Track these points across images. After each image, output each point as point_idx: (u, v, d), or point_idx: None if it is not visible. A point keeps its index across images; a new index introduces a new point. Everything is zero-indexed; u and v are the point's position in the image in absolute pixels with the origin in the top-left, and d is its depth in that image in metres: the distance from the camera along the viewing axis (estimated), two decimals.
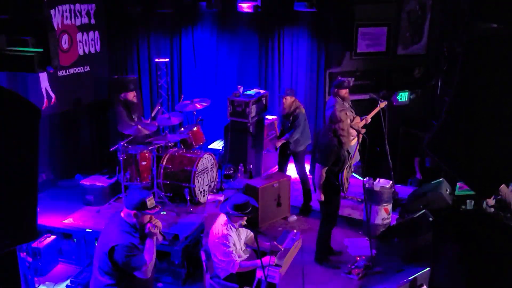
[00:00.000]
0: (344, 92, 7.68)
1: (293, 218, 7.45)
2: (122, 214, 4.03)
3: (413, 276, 5.37)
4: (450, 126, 2.96)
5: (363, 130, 6.90)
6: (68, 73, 7.76)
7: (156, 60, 9.01)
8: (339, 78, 8.51)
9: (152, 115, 8.05)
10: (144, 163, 7.01)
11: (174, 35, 9.44)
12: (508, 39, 2.49)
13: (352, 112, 7.64)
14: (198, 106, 7.94)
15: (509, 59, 2.76)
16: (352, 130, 7.29)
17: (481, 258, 2.13)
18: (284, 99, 7.72)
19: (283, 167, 7.99)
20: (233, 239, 5.00)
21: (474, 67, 2.89)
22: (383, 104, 7.77)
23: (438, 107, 10.65)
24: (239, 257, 5.05)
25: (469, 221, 2.40)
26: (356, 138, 7.60)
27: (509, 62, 2.76)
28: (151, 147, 7.01)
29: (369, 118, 7.69)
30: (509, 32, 2.50)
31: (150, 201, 3.98)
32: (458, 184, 7.53)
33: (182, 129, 7.90)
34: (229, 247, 4.94)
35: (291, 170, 8.05)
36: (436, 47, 10.53)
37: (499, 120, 2.76)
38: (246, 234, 5.31)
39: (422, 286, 5.28)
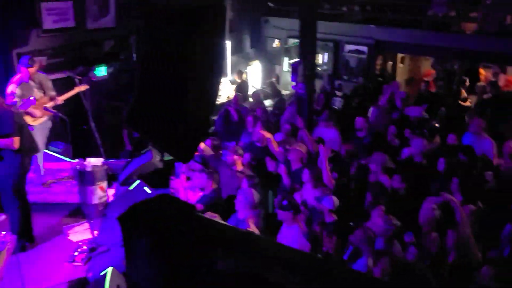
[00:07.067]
0: (32, 69, 7.24)
1: (2, 217, 6.76)
2: None
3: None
4: (142, 98, 3.02)
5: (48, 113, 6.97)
6: None
7: None
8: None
9: None
10: None
11: None
12: (172, 13, 2.62)
13: (40, 91, 7.35)
14: None
15: (171, 29, 2.83)
16: (35, 110, 7.07)
17: (172, 246, 2.25)
18: None
19: None
20: None
21: (148, 39, 2.96)
22: (83, 88, 7.62)
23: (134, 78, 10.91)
24: None
25: (158, 211, 2.51)
26: (41, 119, 7.34)
27: (171, 31, 2.82)
28: None
29: (61, 99, 7.46)
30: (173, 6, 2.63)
31: None
32: None
33: None
34: None
35: None
36: (125, 19, 10.66)
37: (179, 83, 2.84)
38: None
39: None
